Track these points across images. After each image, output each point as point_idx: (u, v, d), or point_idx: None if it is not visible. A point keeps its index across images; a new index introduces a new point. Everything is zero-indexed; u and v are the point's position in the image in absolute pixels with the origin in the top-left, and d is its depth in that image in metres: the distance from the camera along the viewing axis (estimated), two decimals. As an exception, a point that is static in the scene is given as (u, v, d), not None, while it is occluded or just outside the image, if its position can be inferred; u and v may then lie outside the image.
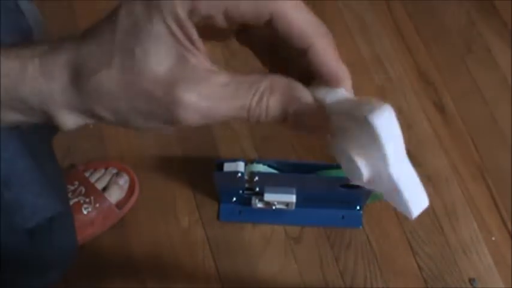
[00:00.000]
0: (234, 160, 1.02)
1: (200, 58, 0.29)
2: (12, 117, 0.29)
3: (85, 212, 1.09)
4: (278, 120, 0.29)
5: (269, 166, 1.04)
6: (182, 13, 0.28)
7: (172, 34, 0.28)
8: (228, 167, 1.02)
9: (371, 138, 0.28)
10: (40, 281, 0.88)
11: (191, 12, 0.28)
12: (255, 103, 0.28)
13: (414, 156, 1.21)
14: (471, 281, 1.11)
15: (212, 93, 0.28)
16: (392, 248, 1.14)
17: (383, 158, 0.28)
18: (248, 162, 1.05)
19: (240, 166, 1.02)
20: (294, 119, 0.29)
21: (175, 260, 1.12)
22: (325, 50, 0.30)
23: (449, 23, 1.37)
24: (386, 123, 0.28)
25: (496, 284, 1.11)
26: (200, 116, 0.28)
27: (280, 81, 0.29)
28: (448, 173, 1.20)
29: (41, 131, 0.82)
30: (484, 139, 1.24)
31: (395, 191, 0.29)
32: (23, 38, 0.73)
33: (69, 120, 0.28)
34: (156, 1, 0.28)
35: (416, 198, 0.30)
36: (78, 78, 0.28)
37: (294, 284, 1.11)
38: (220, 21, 0.29)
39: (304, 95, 0.29)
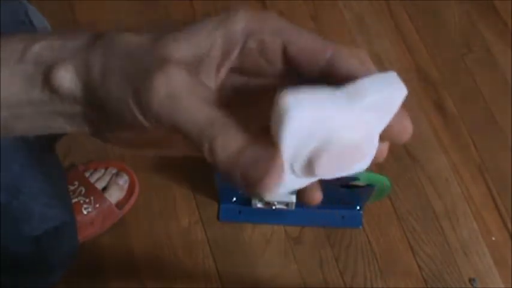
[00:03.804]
0: (234, 160, 1.02)
1: (211, 76, 0.28)
2: (12, 92, 0.28)
3: (85, 212, 1.09)
4: (233, 154, 0.25)
5: (269, 166, 1.04)
6: (242, 34, 0.28)
7: (212, 44, 0.27)
8: (228, 167, 1.01)
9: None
10: (41, 281, 0.88)
11: (251, 34, 0.28)
12: (221, 122, 0.26)
13: (414, 156, 1.22)
14: (471, 281, 1.11)
15: (192, 88, 0.26)
16: (392, 248, 1.14)
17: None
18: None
19: (240, 166, 1.01)
20: (247, 163, 0.25)
21: (175, 260, 1.12)
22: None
23: (449, 23, 1.37)
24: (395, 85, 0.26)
25: (496, 284, 1.11)
26: (167, 95, 0.25)
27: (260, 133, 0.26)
28: (448, 173, 1.21)
29: (46, 139, 0.82)
30: (484, 139, 1.24)
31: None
32: None
33: (62, 74, 0.27)
34: (225, 14, 0.28)
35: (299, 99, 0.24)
36: (97, 39, 0.28)
37: (294, 284, 1.11)
38: (275, 55, 0.28)
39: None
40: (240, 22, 0.28)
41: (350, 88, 0.26)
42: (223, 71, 0.28)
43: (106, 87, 0.27)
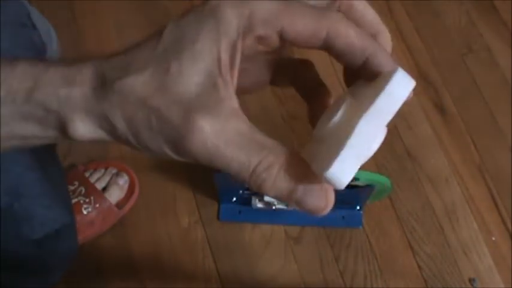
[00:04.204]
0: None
1: (230, 92, 0.27)
2: (26, 129, 0.28)
3: (85, 212, 1.09)
4: (283, 194, 0.27)
5: (269, 166, 1.04)
6: (237, 34, 0.27)
7: (218, 58, 0.27)
8: (228, 167, 1.01)
9: (378, 87, 0.28)
10: (41, 281, 0.88)
11: (246, 33, 0.27)
12: (262, 168, 0.27)
13: (414, 156, 1.22)
14: (471, 281, 1.11)
15: (225, 134, 0.26)
16: (392, 248, 1.14)
17: (369, 105, 0.27)
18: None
19: (240, 166, 1.01)
20: (300, 198, 0.27)
21: (175, 260, 1.12)
22: (382, 56, 0.29)
23: (449, 23, 1.37)
24: (404, 85, 0.28)
25: (496, 284, 1.11)
26: (205, 151, 0.26)
27: (294, 158, 0.28)
28: (448, 173, 1.20)
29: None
30: (484, 139, 1.24)
31: (334, 142, 0.27)
32: (36, 54, 0.73)
33: (81, 127, 0.27)
34: (213, 17, 0.27)
35: (344, 165, 0.26)
36: (102, 85, 0.27)
37: (294, 284, 1.11)
38: (273, 42, 0.28)
39: (314, 176, 0.28)
40: (233, 23, 0.27)
41: (374, 110, 0.27)
42: (235, 75, 0.28)
43: (139, 142, 0.28)
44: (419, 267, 1.12)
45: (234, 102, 0.27)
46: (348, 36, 0.28)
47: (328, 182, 0.27)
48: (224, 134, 0.26)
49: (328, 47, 0.28)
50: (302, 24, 0.28)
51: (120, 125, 0.27)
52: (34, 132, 0.28)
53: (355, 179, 1.00)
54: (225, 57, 0.27)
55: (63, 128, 0.28)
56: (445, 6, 1.39)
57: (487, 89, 1.29)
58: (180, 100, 0.26)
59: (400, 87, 0.28)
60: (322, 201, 0.27)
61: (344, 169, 0.26)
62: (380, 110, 0.27)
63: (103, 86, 0.27)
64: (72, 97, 0.27)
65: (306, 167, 0.27)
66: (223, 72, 0.27)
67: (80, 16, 1.35)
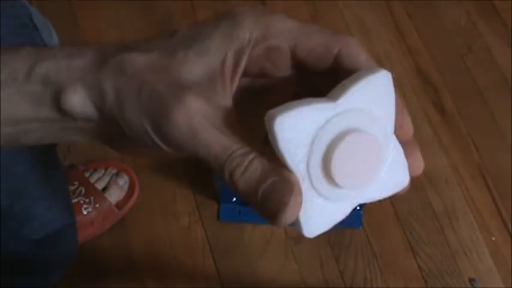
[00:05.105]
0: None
1: (226, 90, 0.27)
2: (20, 110, 0.28)
3: (85, 212, 1.09)
4: (252, 185, 0.26)
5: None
6: (249, 41, 0.27)
7: (224, 58, 0.27)
8: (228, 167, 1.02)
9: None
10: (41, 281, 0.88)
11: (257, 42, 0.28)
12: (240, 153, 0.26)
13: (414, 156, 1.22)
14: (471, 281, 1.11)
15: (211, 118, 0.26)
16: (392, 248, 1.14)
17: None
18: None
19: (240, 166, 1.01)
20: (266, 192, 0.26)
21: (175, 260, 1.12)
22: None
23: (449, 23, 1.37)
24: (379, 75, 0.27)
25: (496, 284, 1.11)
26: (187, 127, 0.26)
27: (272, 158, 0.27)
28: (448, 173, 1.21)
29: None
30: (484, 139, 1.24)
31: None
32: None
33: (74, 98, 0.27)
34: (230, 22, 0.28)
35: (285, 108, 0.25)
36: (103, 58, 0.27)
37: (294, 284, 1.11)
38: (283, 59, 0.28)
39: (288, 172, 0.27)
40: (247, 30, 0.27)
41: (332, 91, 0.26)
42: (236, 80, 0.28)
43: (124, 116, 0.27)
44: (419, 267, 1.12)
45: (227, 101, 0.27)
46: (359, 58, 0.28)
47: (268, 121, 0.25)
48: (210, 117, 0.26)
49: (337, 66, 0.28)
50: (316, 40, 0.28)
51: (110, 94, 0.27)
52: (26, 114, 0.28)
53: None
54: (230, 58, 0.27)
55: (56, 101, 0.28)
56: (445, 6, 1.39)
57: (487, 89, 1.29)
58: (176, 81, 0.27)
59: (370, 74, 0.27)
60: (287, 198, 0.26)
61: (284, 111, 0.25)
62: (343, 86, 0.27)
63: (105, 59, 0.27)
64: (72, 67, 0.27)
65: (285, 171, 0.27)
66: (225, 71, 0.27)
67: (80, 16, 1.35)
